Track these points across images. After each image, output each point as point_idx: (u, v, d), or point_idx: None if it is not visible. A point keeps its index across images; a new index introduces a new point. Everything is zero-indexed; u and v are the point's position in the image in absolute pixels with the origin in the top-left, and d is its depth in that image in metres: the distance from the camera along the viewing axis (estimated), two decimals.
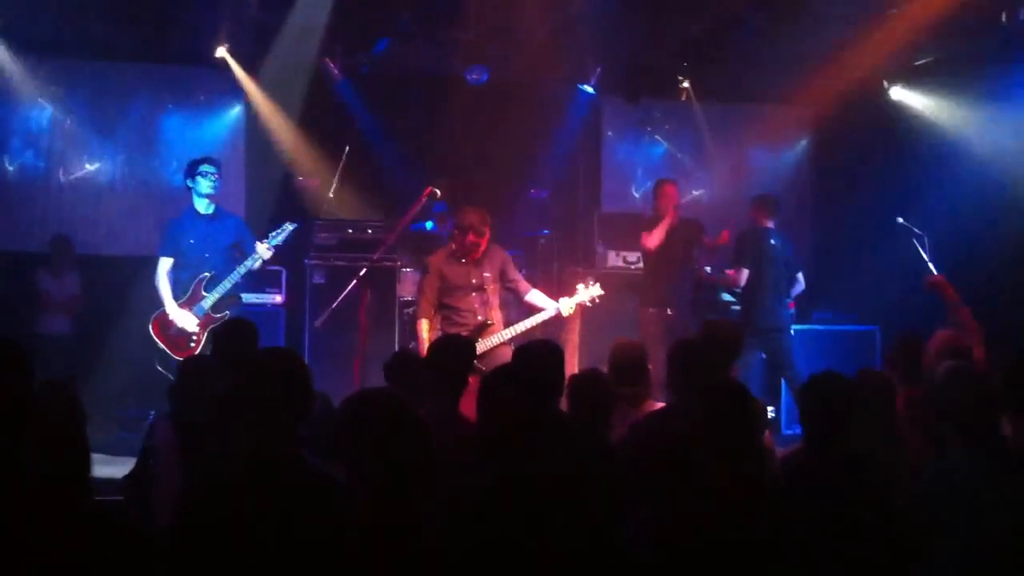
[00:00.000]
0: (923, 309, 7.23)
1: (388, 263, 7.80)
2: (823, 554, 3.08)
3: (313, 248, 7.98)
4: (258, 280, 7.77)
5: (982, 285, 7.44)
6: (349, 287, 6.76)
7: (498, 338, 6.36)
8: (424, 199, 6.97)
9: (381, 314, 7.70)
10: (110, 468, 5.56)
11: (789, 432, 7.84)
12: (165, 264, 6.61)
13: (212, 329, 6.33)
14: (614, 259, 8.30)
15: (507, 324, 6.46)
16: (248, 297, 7.36)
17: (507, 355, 6.01)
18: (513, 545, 2.92)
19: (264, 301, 8.07)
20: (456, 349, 4.28)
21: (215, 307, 6.56)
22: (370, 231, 8.00)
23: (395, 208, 8.06)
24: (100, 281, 8.23)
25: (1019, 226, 7.84)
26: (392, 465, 2.74)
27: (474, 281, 6.43)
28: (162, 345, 6.52)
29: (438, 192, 6.93)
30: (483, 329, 6.38)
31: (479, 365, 5.90)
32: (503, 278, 6.55)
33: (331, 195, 8.31)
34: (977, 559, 3.18)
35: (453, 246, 6.47)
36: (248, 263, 6.55)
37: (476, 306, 6.43)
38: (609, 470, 3.51)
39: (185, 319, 6.51)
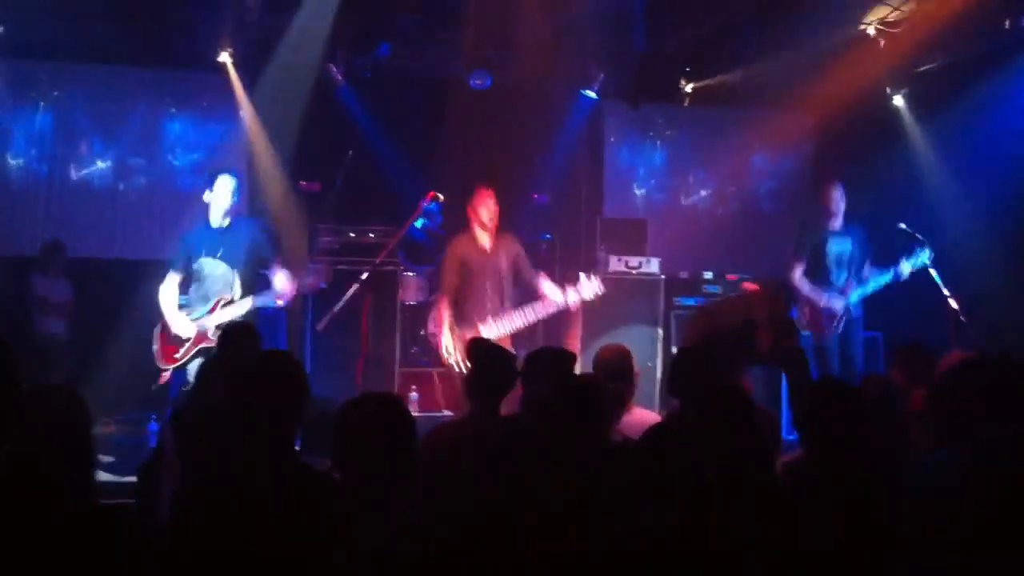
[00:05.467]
0: (926, 315, 7.24)
1: (390, 267, 7.80)
2: (824, 560, 3.07)
3: (315, 252, 7.97)
4: (260, 283, 7.73)
5: (984, 291, 7.44)
6: (351, 291, 6.76)
7: (508, 325, 6.64)
8: (426, 203, 7.00)
9: (383, 318, 7.70)
10: (109, 470, 5.57)
11: (790, 438, 7.82)
12: (172, 280, 6.33)
13: (205, 350, 6.16)
14: (616, 264, 8.29)
15: (516, 312, 6.72)
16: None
17: (509, 345, 6.46)
18: (514, 545, 2.92)
19: (266, 304, 8.04)
20: (502, 358, 4.29)
21: (219, 327, 6.21)
22: (372, 235, 8.00)
23: (397, 212, 8.06)
24: (100, 284, 8.23)
25: (1022, 231, 7.84)
26: (389, 467, 2.75)
27: (491, 266, 6.69)
28: (157, 351, 6.30)
29: (440, 196, 6.95)
30: (497, 313, 6.64)
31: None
32: (516, 266, 6.79)
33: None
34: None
35: (474, 227, 6.73)
36: (267, 297, 6.32)
37: (491, 292, 6.68)
38: (613, 471, 3.51)
39: (182, 326, 6.23)
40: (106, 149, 8.87)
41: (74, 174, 8.84)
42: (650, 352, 7.98)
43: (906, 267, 7.01)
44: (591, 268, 8.30)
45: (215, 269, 6.30)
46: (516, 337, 8.01)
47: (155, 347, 6.33)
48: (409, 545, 2.73)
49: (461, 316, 6.68)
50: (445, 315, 6.64)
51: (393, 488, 2.78)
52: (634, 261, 8.30)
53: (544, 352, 4.49)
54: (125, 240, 8.72)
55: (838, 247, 7.29)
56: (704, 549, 2.96)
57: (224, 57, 8.41)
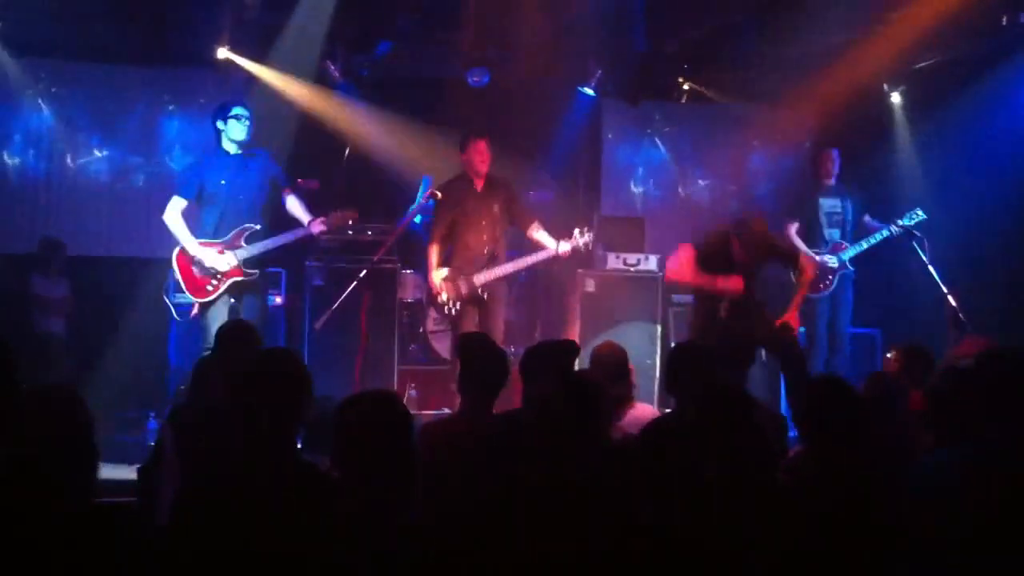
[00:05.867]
0: (923, 312, 7.25)
1: (388, 265, 7.80)
2: (825, 559, 3.07)
3: (313, 250, 7.97)
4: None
5: (983, 288, 7.45)
6: (349, 289, 6.77)
7: (500, 271, 6.83)
8: (425, 201, 7.01)
9: (381, 316, 7.69)
10: (107, 470, 5.55)
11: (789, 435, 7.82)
12: (178, 204, 6.28)
13: (237, 283, 6.18)
14: (614, 261, 8.29)
15: (508, 257, 6.94)
16: None
17: (504, 291, 6.93)
18: (512, 544, 2.92)
19: (297, 238, 8.00)
20: (493, 353, 4.29)
21: (247, 262, 6.30)
22: (370, 233, 7.99)
23: (395, 210, 8.05)
24: (98, 283, 8.22)
25: (1020, 229, 7.85)
26: (387, 466, 2.75)
27: (483, 209, 6.85)
28: (181, 281, 6.27)
29: (438, 194, 6.96)
30: (490, 261, 6.82)
31: (484, 294, 6.77)
32: (510, 208, 6.95)
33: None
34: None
35: (467, 172, 6.90)
36: (298, 232, 6.34)
37: (485, 235, 6.86)
38: (612, 470, 3.51)
39: (214, 258, 6.17)
40: (104, 147, 8.87)
41: (72, 172, 8.83)
42: (648, 349, 7.98)
43: (898, 224, 7.10)
44: (589, 266, 8.32)
45: (235, 196, 6.29)
46: (514, 333, 8.04)
47: (178, 278, 6.31)
48: (408, 544, 2.74)
49: (453, 258, 6.86)
50: (434, 255, 6.82)
51: (392, 487, 2.79)
52: (632, 258, 8.30)
53: (544, 347, 4.50)
54: (123, 238, 8.71)
55: (830, 205, 7.41)
56: (703, 548, 2.96)
57: (224, 53, 8.39)
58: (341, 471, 2.89)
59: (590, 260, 8.63)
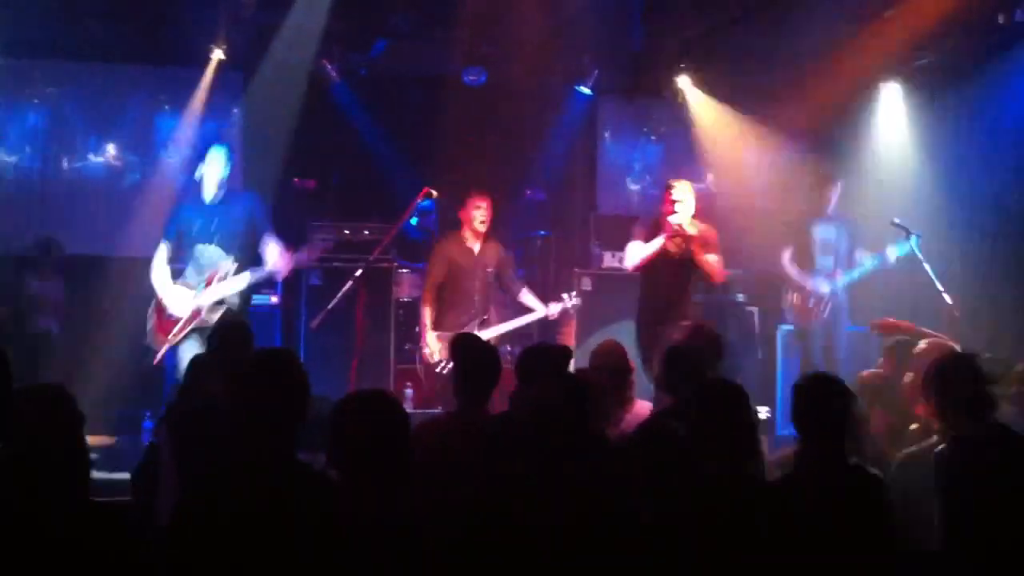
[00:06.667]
0: (917, 310, 7.25)
1: (384, 264, 7.80)
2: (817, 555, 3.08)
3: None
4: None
5: (977, 286, 7.46)
6: (345, 288, 6.76)
7: (494, 331, 6.81)
8: (420, 200, 7.02)
9: (377, 315, 7.70)
10: (103, 470, 5.56)
11: (784, 433, 7.83)
12: (163, 251, 6.29)
13: (198, 328, 6.11)
14: (610, 260, 8.30)
15: (500, 318, 7.00)
16: None
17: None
18: (510, 541, 2.93)
19: (260, 302, 8.04)
20: (486, 353, 4.29)
21: (213, 305, 6.20)
22: (366, 232, 7.99)
23: (392, 209, 8.05)
24: (93, 282, 8.20)
25: (1018, 224, 7.85)
26: (383, 464, 2.75)
27: (478, 268, 6.88)
28: (152, 326, 6.24)
29: (434, 193, 6.99)
30: (481, 323, 6.80)
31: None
32: (501, 274, 6.98)
33: None
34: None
35: (464, 230, 6.92)
36: (261, 272, 6.26)
37: (476, 296, 6.88)
38: (607, 467, 3.52)
39: (178, 303, 6.15)
40: (99, 146, 8.86)
41: (67, 171, 8.82)
42: None
43: (892, 253, 7.09)
44: (586, 264, 8.32)
45: (208, 248, 6.24)
46: (510, 334, 8.03)
47: (149, 325, 6.28)
48: (404, 543, 2.74)
49: (445, 317, 6.85)
50: (427, 316, 6.84)
51: (388, 486, 2.79)
52: None
53: (539, 348, 4.51)
54: (118, 238, 8.68)
55: (824, 234, 7.39)
56: (698, 543, 2.97)
57: (216, 55, 8.37)
58: (337, 470, 2.88)
59: (586, 259, 8.65)
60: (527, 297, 7.03)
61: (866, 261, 7.28)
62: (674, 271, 6.64)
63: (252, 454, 2.89)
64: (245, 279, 6.22)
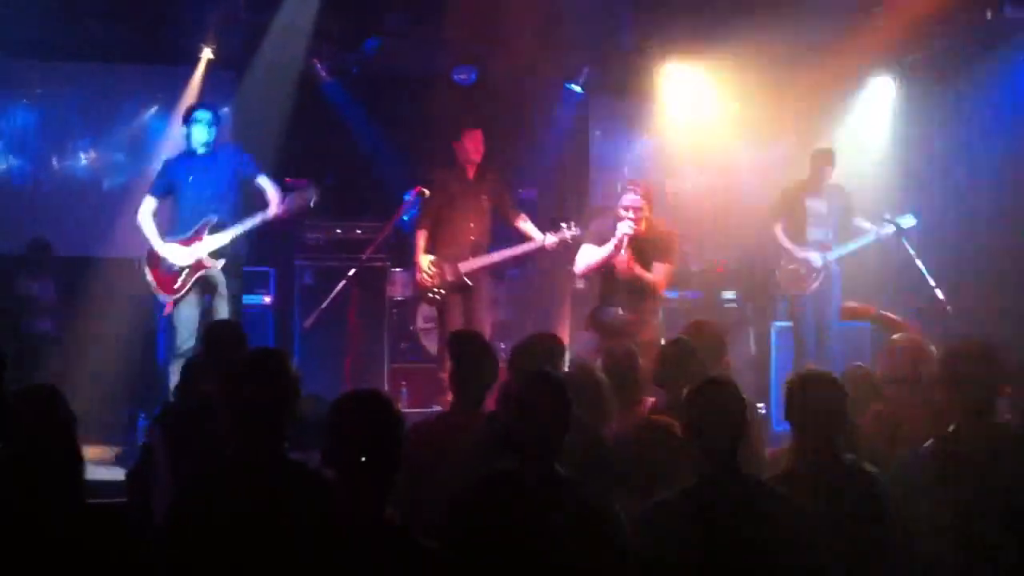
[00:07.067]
0: (911, 304, 7.28)
1: (377, 263, 7.79)
2: (814, 551, 3.08)
3: (302, 248, 7.96)
4: (247, 281, 7.69)
5: (970, 277, 7.48)
6: (338, 287, 6.76)
7: (486, 259, 6.94)
8: (412, 199, 7.01)
9: (371, 314, 7.69)
10: (100, 471, 5.55)
11: (779, 429, 7.84)
12: (149, 203, 6.45)
13: (202, 279, 6.27)
14: None
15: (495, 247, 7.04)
16: None
17: (489, 283, 7.08)
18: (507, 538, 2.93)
19: (253, 302, 8.03)
20: (483, 350, 4.30)
21: (213, 254, 6.37)
22: (359, 231, 7.99)
23: (384, 208, 8.05)
24: (86, 282, 8.19)
25: (1006, 219, 7.88)
26: (378, 463, 2.76)
27: (473, 200, 6.95)
28: (152, 281, 6.36)
29: (426, 191, 6.98)
30: (476, 249, 6.91)
31: (469, 281, 6.86)
32: (499, 203, 7.05)
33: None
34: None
35: (460, 162, 7.02)
36: (256, 218, 6.40)
37: (472, 225, 6.95)
38: (602, 464, 3.53)
39: (177, 255, 6.31)
40: (92, 146, 8.84)
41: (60, 172, 8.80)
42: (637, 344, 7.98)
43: (888, 228, 7.12)
44: None
45: (200, 192, 6.39)
46: (503, 328, 8.04)
47: (149, 278, 6.39)
48: (401, 541, 2.75)
49: (440, 245, 6.93)
50: (422, 239, 6.92)
51: (383, 484, 2.79)
52: None
53: (531, 341, 4.49)
54: (112, 238, 8.66)
55: (817, 207, 7.41)
56: (698, 540, 2.98)
57: (206, 54, 8.36)
58: (333, 469, 2.89)
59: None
60: (525, 224, 7.03)
61: (862, 236, 7.31)
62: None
63: (246, 454, 2.89)
64: (239, 228, 6.37)
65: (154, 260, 6.38)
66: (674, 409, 3.85)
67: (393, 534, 2.74)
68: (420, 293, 7.12)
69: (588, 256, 6.39)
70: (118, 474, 4.94)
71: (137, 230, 6.52)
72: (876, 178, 8.61)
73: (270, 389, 2.94)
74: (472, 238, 6.96)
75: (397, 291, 8.29)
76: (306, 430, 3.07)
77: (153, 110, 8.92)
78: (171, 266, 6.32)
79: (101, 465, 5.98)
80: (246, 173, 6.53)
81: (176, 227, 6.42)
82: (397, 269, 8.28)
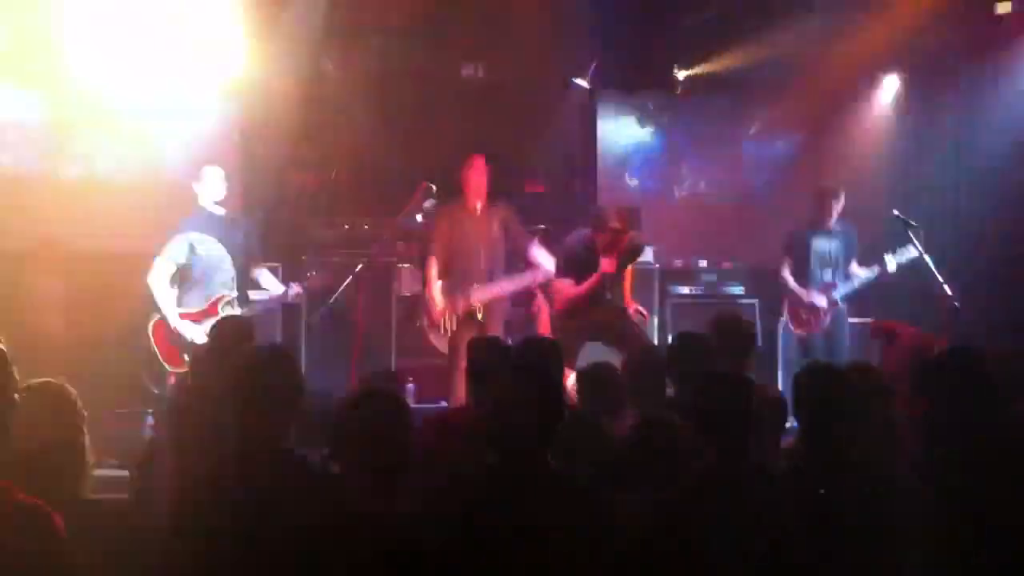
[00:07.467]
0: (917, 301, 7.25)
1: (384, 259, 7.79)
2: (817, 547, 3.08)
3: (310, 245, 7.96)
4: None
5: (975, 275, 7.46)
6: (345, 283, 6.76)
7: (497, 289, 6.75)
8: (419, 194, 7.01)
9: (377, 310, 7.69)
10: (105, 467, 5.55)
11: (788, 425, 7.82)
12: (168, 268, 6.22)
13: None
14: None
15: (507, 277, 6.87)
16: None
17: (504, 309, 6.87)
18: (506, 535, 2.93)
19: (259, 298, 8.02)
20: (497, 350, 4.30)
21: None
22: (366, 227, 7.99)
23: (391, 204, 8.05)
24: (94, 279, 8.20)
25: (1013, 216, 7.86)
26: (387, 459, 2.76)
27: (482, 230, 6.75)
28: (158, 352, 6.22)
29: (433, 187, 6.97)
30: (488, 277, 6.72)
31: (480, 314, 6.70)
32: (507, 231, 6.84)
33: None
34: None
35: (465, 193, 6.79)
36: (269, 294, 6.38)
37: (482, 257, 6.75)
38: (607, 460, 3.52)
39: (194, 332, 6.11)
40: (100, 142, 8.83)
41: (68, 168, 8.80)
42: None
43: (891, 262, 7.08)
44: None
45: (221, 257, 6.22)
46: (511, 326, 8.03)
47: (155, 347, 6.23)
48: (409, 537, 2.75)
49: (451, 280, 6.75)
50: (432, 272, 6.75)
51: (390, 480, 2.80)
52: None
53: (532, 343, 4.50)
54: (119, 234, 8.67)
55: (823, 246, 7.36)
56: (697, 538, 2.97)
57: None
58: (341, 465, 2.90)
59: None
60: (538, 251, 6.87)
61: (864, 274, 7.28)
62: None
63: (251, 449, 2.89)
64: (251, 307, 6.31)
65: (165, 331, 6.20)
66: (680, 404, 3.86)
67: (399, 529, 2.74)
68: (429, 328, 6.90)
69: (570, 294, 6.36)
70: (122, 470, 4.94)
71: (157, 225, 6.44)
72: (885, 174, 8.60)
73: (273, 385, 2.94)
74: (483, 270, 6.77)
75: (404, 287, 8.29)
76: (313, 426, 3.07)
77: (161, 106, 8.91)
78: (180, 337, 6.14)
79: (107, 461, 5.99)
80: (253, 249, 6.47)
81: (191, 296, 6.24)
82: (404, 265, 8.28)
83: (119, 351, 7.44)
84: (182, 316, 6.19)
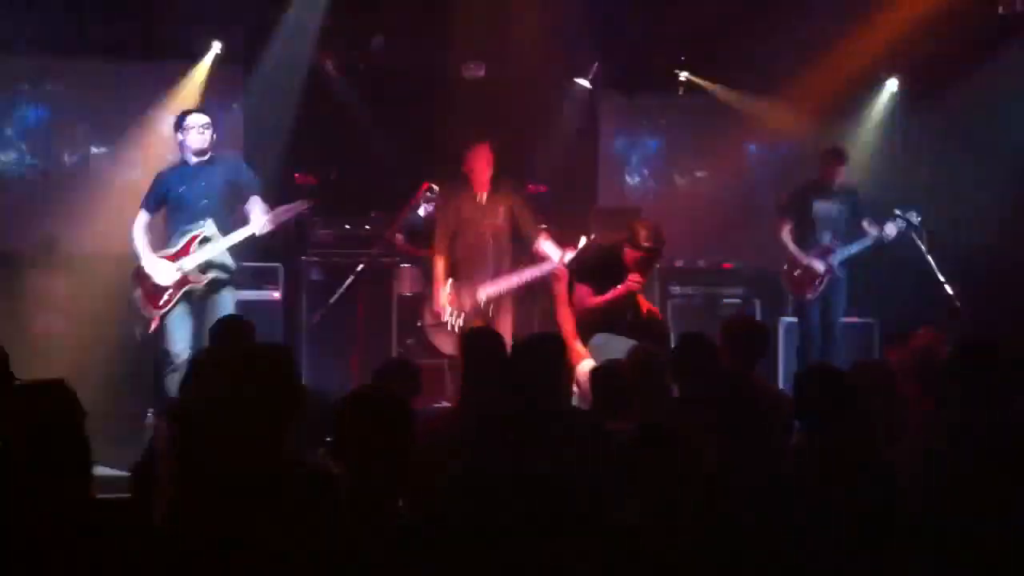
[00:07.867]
0: (922, 301, 7.26)
1: (385, 259, 7.79)
2: (820, 544, 3.08)
3: (310, 244, 7.96)
4: (255, 276, 7.69)
5: (979, 276, 7.46)
6: (347, 283, 6.76)
7: (505, 284, 6.59)
8: (421, 194, 7.00)
9: (378, 310, 7.69)
10: (105, 466, 5.55)
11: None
12: (142, 218, 6.29)
13: (188, 292, 6.10)
14: None
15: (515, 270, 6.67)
16: (245, 293, 7.26)
17: (511, 303, 6.65)
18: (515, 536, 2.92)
19: (261, 297, 8.04)
20: (497, 347, 4.29)
21: (201, 267, 6.14)
22: (367, 227, 7.98)
23: (392, 204, 8.05)
24: (95, 278, 8.20)
25: (1013, 217, 7.86)
26: (388, 459, 2.75)
27: (487, 222, 6.62)
28: (139, 297, 6.22)
29: (435, 187, 6.96)
30: (495, 274, 6.58)
31: (488, 310, 6.55)
32: (514, 219, 6.68)
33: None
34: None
35: (471, 181, 6.67)
36: (245, 231, 6.14)
37: (489, 249, 6.62)
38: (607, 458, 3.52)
39: (162, 272, 6.11)
40: (99, 143, 8.85)
41: (68, 168, 8.81)
42: None
43: (891, 229, 7.08)
44: None
45: (191, 203, 6.17)
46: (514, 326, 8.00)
47: (137, 293, 6.26)
48: (409, 538, 2.74)
49: (458, 273, 6.67)
50: (439, 270, 6.63)
51: (391, 479, 2.79)
52: None
53: (532, 340, 4.48)
54: (119, 234, 8.66)
55: (825, 210, 7.37)
56: (698, 537, 2.96)
57: (214, 48, 8.37)
58: (341, 465, 2.89)
59: None
60: (545, 244, 6.60)
61: (865, 239, 7.27)
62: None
63: (246, 449, 2.89)
64: (229, 240, 6.14)
65: (142, 276, 6.22)
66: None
67: (400, 528, 2.74)
68: (434, 328, 6.79)
69: (589, 302, 6.02)
70: (123, 470, 4.93)
71: (150, 227, 6.41)
72: (885, 175, 8.60)
73: (271, 385, 2.93)
74: (490, 262, 6.65)
75: (405, 287, 8.28)
76: (313, 426, 3.07)
77: (160, 106, 8.91)
78: (157, 284, 6.14)
79: (107, 460, 5.99)
80: (242, 186, 6.26)
81: (167, 240, 6.25)
82: (405, 265, 8.28)
83: (119, 351, 7.46)
84: (165, 257, 6.17)
